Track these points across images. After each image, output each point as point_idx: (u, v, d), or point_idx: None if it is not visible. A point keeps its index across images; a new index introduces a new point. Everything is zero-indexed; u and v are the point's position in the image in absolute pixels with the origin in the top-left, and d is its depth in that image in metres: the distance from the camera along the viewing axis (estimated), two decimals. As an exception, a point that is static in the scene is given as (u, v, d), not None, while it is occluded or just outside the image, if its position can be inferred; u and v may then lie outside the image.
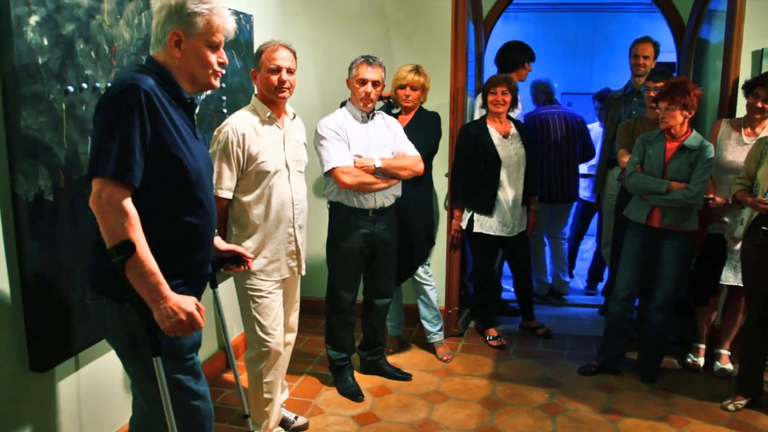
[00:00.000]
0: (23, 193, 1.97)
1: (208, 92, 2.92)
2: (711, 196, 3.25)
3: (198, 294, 1.80)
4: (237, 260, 2.19)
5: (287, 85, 2.50)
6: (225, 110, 3.23)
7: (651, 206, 3.22)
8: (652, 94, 3.49)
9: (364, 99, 2.99)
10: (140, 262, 1.57)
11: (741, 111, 3.36)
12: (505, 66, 4.20)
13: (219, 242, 2.14)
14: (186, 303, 1.64)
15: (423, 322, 3.72)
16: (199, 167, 1.75)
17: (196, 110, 1.86)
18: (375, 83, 2.97)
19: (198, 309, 1.67)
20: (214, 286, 2.19)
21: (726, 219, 3.28)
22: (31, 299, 2.03)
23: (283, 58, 2.49)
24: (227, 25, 1.78)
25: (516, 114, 4.00)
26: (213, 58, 1.76)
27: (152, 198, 1.64)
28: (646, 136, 3.30)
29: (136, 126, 1.58)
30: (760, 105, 3.15)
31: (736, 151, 3.26)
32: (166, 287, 1.61)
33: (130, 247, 1.55)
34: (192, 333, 1.67)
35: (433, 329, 3.71)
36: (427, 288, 3.65)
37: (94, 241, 1.71)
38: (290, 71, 2.51)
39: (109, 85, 2.29)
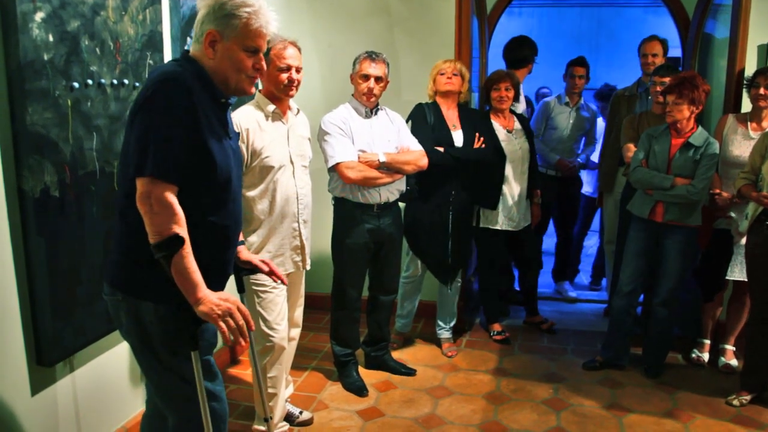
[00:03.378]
0: (29, 189, 1.98)
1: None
2: (717, 191, 3.24)
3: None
4: (254, 272, 2.08)
5: (296, 83, 2.52)
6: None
7: (654, 201, 3.22)
8: (658, 88, 3.48)
9: (366, 94, 3.00)
10: (186, 257, 1.56)
11: (746, 106, 3.36)
12: (515, 62, 4.21)
13: (242, 251, 2.04)
14: (226, 295, 1.63)
15: (438, 318, 3.75)
16: (229, 168, 1.72)
17: (230, 108, 1.81)
18: (378, 79, 2.99)
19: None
20: (241, 290, 2.16)
21: (732, 214, 3.27)
22: (37, 294, 2.05)
23: (292, 56, 2.50)
24: (268, 30, 1.69)
25: (520, 109, 4.00)
26: (249, 62, 1.68)
27: (181, 195, 1.60)
28: (651, 131, 3.29)
29: (180, 124, 1.56)
30: (762, 92, 3.14)
31: (743, 145, 3.25)
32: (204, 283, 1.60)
33: (179, 242, 1.55)
34: (240, 319, 1.61)
35: (446, 325, 3.74)
36: (454, 288, 3.66)
37: (119, 237, 1.70)
38: (298, 69, 2.53)
39: (122, 81, 2.31)
